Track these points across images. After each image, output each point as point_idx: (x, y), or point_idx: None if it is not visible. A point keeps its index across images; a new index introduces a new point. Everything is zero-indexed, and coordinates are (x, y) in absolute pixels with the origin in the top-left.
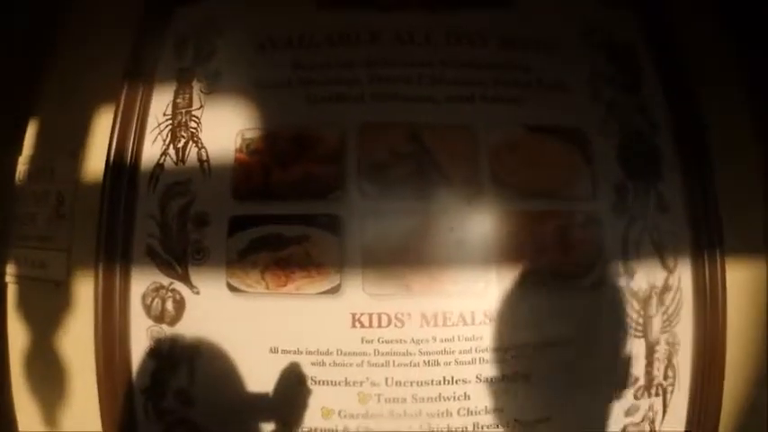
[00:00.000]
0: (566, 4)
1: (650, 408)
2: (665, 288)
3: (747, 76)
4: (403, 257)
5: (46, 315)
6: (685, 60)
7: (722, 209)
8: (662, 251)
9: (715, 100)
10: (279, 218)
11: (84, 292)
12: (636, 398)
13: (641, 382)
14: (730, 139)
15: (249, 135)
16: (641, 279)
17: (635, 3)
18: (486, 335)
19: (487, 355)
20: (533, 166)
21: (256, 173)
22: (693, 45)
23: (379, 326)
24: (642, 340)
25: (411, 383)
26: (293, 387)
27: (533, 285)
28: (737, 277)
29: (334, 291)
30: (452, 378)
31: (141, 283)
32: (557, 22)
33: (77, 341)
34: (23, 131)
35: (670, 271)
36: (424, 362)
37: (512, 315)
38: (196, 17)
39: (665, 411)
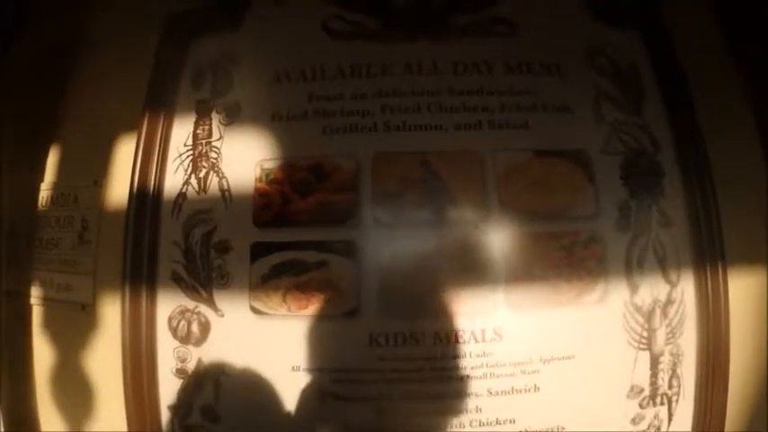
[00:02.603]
0: (570, 27)
1: (656, 416)
2: (669, 301)
3: (751, 92)
4: (416, 280)
5: (72, 336)
6: (688, 78)
7: (724, 222)
8: (665, 266)
9: (717, 116)
10: (298, 244)
11: (111, 314)
12: (641, 407)
13: (646, 392)
14: (733, 155)
15: (268, 165)
16: (645, 293)
17: (639, 23)
18: (495, 351)
19: (497, 370)
20: (539, 189)
21: (276, 201)
22: (696, 62)
23: (395, 344)
24: (647, 352)
25: (425, 398)
26: (315, 403)
27: (539, 303)
28: (740, 289)
29: (352, 312)
30: (464, 392)
31: (167, 306)
32: (561, 46)
33: (104, 361)
34: (45, 157)
35: (673, 285)
36: (438, 378)
37: (520, 332)
38: (213, 49)
39: (670, 419)
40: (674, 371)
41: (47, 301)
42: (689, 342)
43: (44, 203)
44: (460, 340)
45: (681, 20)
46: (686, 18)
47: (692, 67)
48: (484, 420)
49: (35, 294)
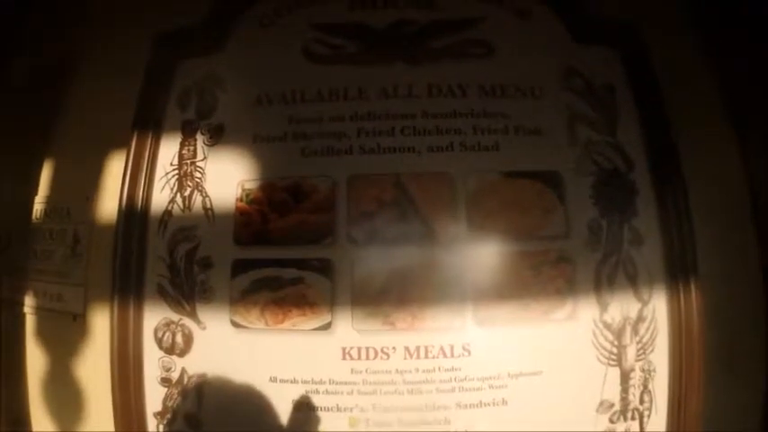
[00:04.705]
0: (547, 48)
1: (626, 431)
2: (640, 318)
3: (730, 109)
4: (387, 297)
5: (64, 344)
6: (665, 96)
7: (698, 239)
8: (636, 284)
9: (694, 134)
10: (276, 261)
11: (100, 324)
12: (611, 422)
13: (616, 407)
14: (709, 172)
15: (249, 186)
16: (615, 311)
17: (616, 42)
18: (464, 366)
19: (466, 384)
20: (509, 210)
21: (255, 220)
22: (674, 81)
23: (367, 358)
24: (617, 368)
25: (396, 410)
26: (291, 413)
27: (508, 320)
28: (713, 305)
29: (326, 327)
30: (434, 404)
31: (153, 318)
32: (536, 68)
33: (94, 369)
34: (40, 171)
35: (644, 302)
36: (408, 390)
37: (488, 348)
38: (198, 72)
39: None
40: (645, 386)
41: (40, 311)
42: (661, 358)
43: (38, 216)
44: (430, 355)
45: (659, 38)
46: (665, 37)
47: (669, 86)
48: None
49: (29, 303)
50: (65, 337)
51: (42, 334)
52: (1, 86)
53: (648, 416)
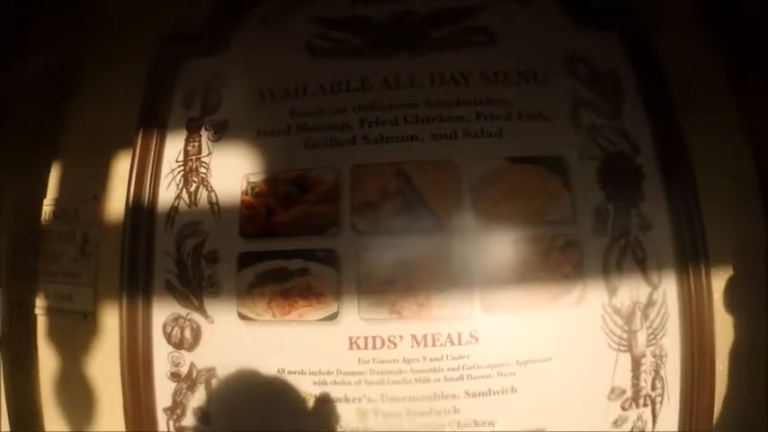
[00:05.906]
0: (549, 34)
1: (639, 418)
2: (650, 303)
3: (734, 92)
4: (394, 286)
5: (75, 343)
6: (668, 80)
7: (706, 222)
8: (645, 268)
9: (699, 117)
10: (282, 253)
11: (110, 322)
12: (623, 409)
13: (628, 393)
14: (715, 155)
15: (254, 179)
16: (624, 295)
17: (619, 27)
18: (472, 353)
19: (474, 372)
20: (514, 196)
21: (261, 213)
22: (677, 64)
23: (374, 347)
24: (627, 354)
25: (404, 399)
26: (299, 404)
27: (515, 306)
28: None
29: (332, 317)
30: (442, 393)
31: (161, 313)
32: (539, 54)
33: (104, 366)
34: (48, 174)
35: (654, 286)
36: (416, 379)
37: (496, 334)
38: (202, 70)
39: (654, 421)
40: (657, 372)
41: (50, 311)
42: (672, 343)
43: (47, 218)
44: (437, 343)
45: (661, 23)
46: (667, 21)
47: (672, 70)
48: (462, 421)
49: (39, 305)
50: (76, 337)
51: (53, 334)
52: (6, 90)
53: (661, 402)
